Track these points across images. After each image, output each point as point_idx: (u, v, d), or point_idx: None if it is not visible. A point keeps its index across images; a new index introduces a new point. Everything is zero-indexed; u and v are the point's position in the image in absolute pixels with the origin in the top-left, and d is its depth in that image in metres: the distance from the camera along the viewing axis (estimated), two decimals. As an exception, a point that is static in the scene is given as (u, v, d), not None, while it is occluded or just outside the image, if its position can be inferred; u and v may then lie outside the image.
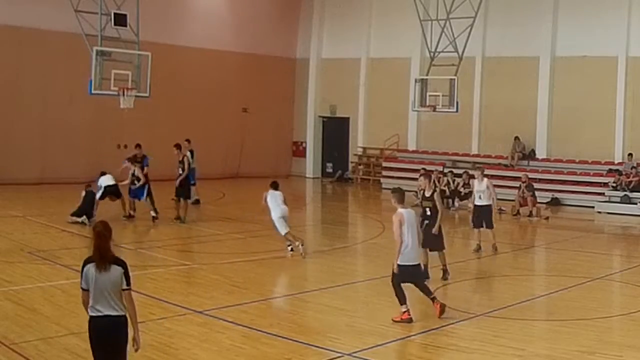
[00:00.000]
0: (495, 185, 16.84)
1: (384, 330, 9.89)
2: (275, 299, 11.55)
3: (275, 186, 15.70)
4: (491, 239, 16.01)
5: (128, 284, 6.37)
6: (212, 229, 18.49)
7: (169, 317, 10.07)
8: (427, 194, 12.76)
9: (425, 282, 11.60)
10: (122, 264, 6.37)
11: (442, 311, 10.31)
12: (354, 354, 8.73)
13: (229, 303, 11.10)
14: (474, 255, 15.87)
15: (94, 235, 6.34)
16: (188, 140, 21.93)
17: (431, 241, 12.66)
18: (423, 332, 9.80)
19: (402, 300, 10.13)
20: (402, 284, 10.19)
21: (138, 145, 19.96)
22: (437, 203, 12.69)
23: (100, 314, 6.26)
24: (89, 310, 6.32)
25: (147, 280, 12.03)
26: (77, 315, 9.52)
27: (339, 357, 8.67)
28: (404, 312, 10.09)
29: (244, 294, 11.78)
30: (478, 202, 16.17)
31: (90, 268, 6.28)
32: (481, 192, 16.14)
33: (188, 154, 20.22)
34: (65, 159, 26.59)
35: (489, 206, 16.09)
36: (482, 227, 16.08)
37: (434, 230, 12.62)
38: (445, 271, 13.03)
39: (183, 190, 19.18)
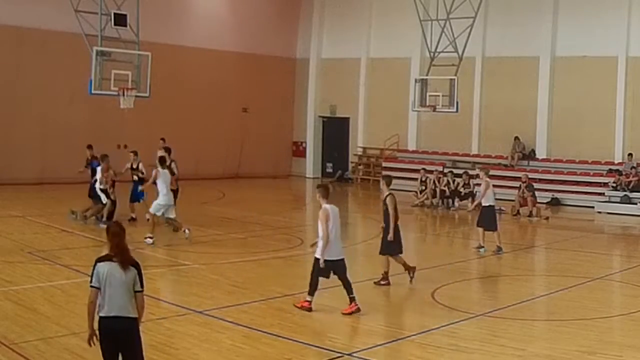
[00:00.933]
0: (495, 186, 16.78)
1: (384, 330, 9.90)
2: (275, 299, 11.54)
3: (163, 162, 15.47)
4: (495, 240, 15.85)
5: (142, 285, 6.35)
6: (212, 229, 18.46)
7: (169, 317, 10.07)
8: (382, 197, 12.45)
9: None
10: (135, 264, 6.34)
11: (351, 312, 10.37)
12: (354, 354, 8.74)
13: (229, 303, 11.10)
14: (474, 255, 15.87)
15: (109, 235, 6.32)
16: (163, 139, 20.43)
17: (386, 246, 12.42)
18: (423, 332, 9.80)
19: (312, 291, 10.53)
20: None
21: (89, 147, 19.17)
22: (389, 208, 12.24)
23: (108, 314, 6.20)
24: (97, 309, 6.23)
25: (147, 280, 11.82)
26: (77, 315, 9.52)
27: (339, 357, 8.67)
28: (308, 301, 10.49)
29: (244, 294, 11.78)
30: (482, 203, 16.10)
31: (105, 266, 6.22)
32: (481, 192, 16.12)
33: (161, 152, 18.52)
34: (65, 159, 26.43)
35: (488, 207, 15.89)
36: (482, 228, 15.97)
37: (389, 237, 12.28)
38: (409, 274, 12.57)
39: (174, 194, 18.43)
